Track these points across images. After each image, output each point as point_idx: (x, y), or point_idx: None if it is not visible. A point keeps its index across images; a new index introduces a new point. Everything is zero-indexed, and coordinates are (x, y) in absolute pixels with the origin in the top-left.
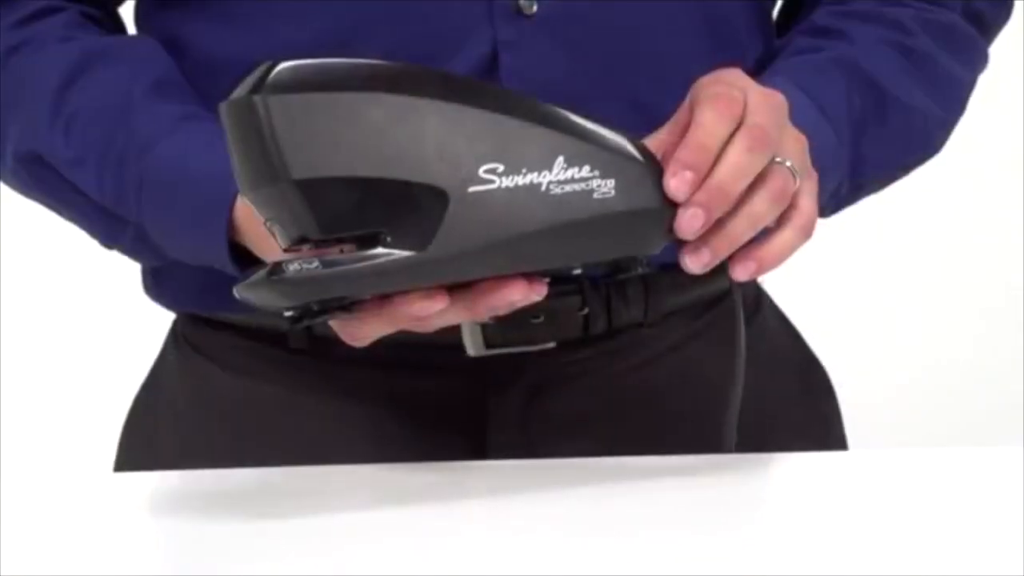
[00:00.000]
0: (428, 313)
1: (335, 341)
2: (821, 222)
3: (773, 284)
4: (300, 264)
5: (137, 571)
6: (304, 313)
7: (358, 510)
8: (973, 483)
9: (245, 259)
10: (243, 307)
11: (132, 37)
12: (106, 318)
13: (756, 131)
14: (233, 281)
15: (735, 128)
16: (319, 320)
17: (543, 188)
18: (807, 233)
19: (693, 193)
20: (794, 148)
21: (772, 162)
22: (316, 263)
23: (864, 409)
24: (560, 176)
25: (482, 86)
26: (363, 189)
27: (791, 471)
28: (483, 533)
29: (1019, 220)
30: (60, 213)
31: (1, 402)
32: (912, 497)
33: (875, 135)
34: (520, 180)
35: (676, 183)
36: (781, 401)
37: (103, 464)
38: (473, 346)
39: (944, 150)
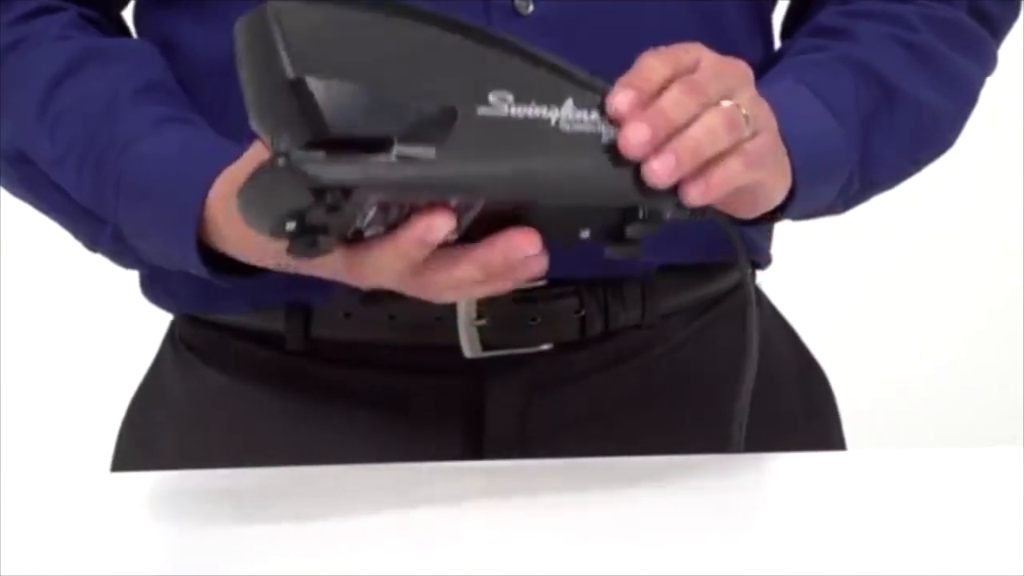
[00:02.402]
0: (434, 235)
1: (332, 343)
2: (820, 222)
3: (771, 285)
4: (308, 153)
5: (136, 571)
6: (306, 228)
7: (356, 510)
8: (973, 483)
9: (219, 266)
10: (240, 309)
11: (128, 40)
12: (104, 319)
13: (694, 81)
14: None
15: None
16: (321, 244)
17: (552, 123)
18: (754, 168)
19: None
20: (754, 105)
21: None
22: (322, 153)
23: (864, 409)
24: (569, 116)
25: (498, 32)
26: (372, 96)
27: (790, 471)
28: (480, 533)
29: (1019, 220)
30: (46, 213)
31: (1, 403)
32: (912, 497)
33: (884, 130)
34: (530, 112)
35: (620, 99)
36: (779, 402)
37: (100, 465)
38: (470, 348)
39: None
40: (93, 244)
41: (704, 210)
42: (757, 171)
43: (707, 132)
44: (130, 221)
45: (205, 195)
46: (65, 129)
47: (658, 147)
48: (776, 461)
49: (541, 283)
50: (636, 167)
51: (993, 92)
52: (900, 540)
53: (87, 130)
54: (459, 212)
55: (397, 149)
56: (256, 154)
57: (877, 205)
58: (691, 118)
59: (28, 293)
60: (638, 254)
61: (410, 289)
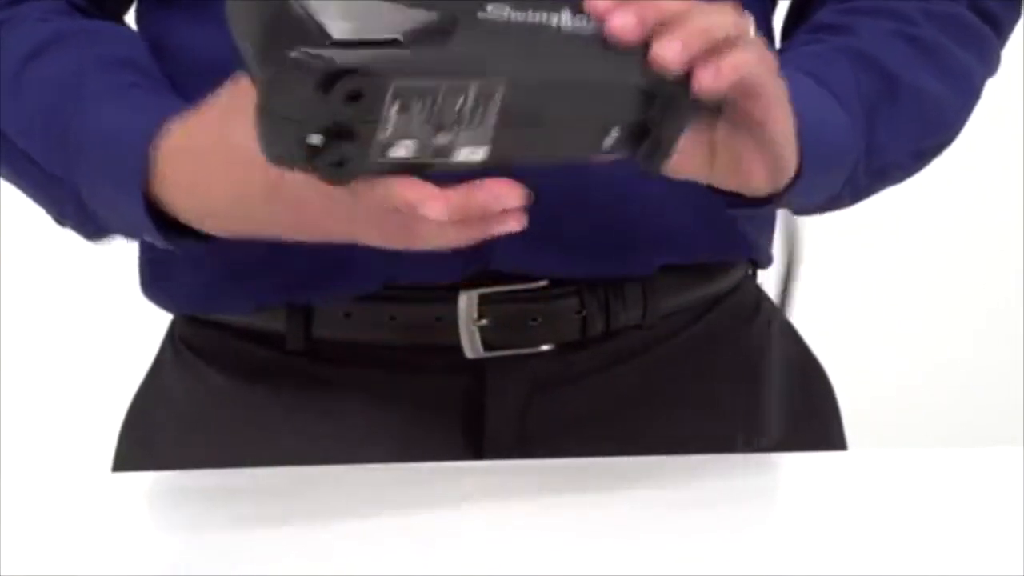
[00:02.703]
0: (432, 211)
1: (333, 343)
2: (819, 222)
3: (772, 285)
4: (316, 50)
5: (136, 571)
6: (331, 134)
7: (356, 510)
8: (973, 483)
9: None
10: (241, 309)
11: (106, 22)
12: (104, 319)
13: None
14: (230, 280)
15: None
16: (348, 161)
17: (553, 27)
18: (766, 67)
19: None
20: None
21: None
22: (330, 48)
23: (864, 409)
24: (568, 23)
25: None
26: (372, 7)
27: (791, 471)
28: (480, 533)
29: (1019, 220)
30: (18, 185)
31: (1, 403)
32: (912, 497)
33: (888, 117)
34: (530, 17)
35: None
36: (779, 401)
37: (101, 465)
38: (471, 348)
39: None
40: (60, 215)
41: (719, 107)
42: (769, 72)
43: (715, 20)
44: (87, 181)
45: (150, 143)
46: (34, 97)
47: (663, 30)
48: (776, 461)
49: (542, 283)
50: (644, 57)
51: (993, 92)
52: (900, 540)
53: (55, 97)
54: (477, 114)
55: (403, 43)
56: (216, 100)
57: (878, 205)
58: (693, 7)
59: (28, 293)
60: (666, 158)
61: (383, 234)
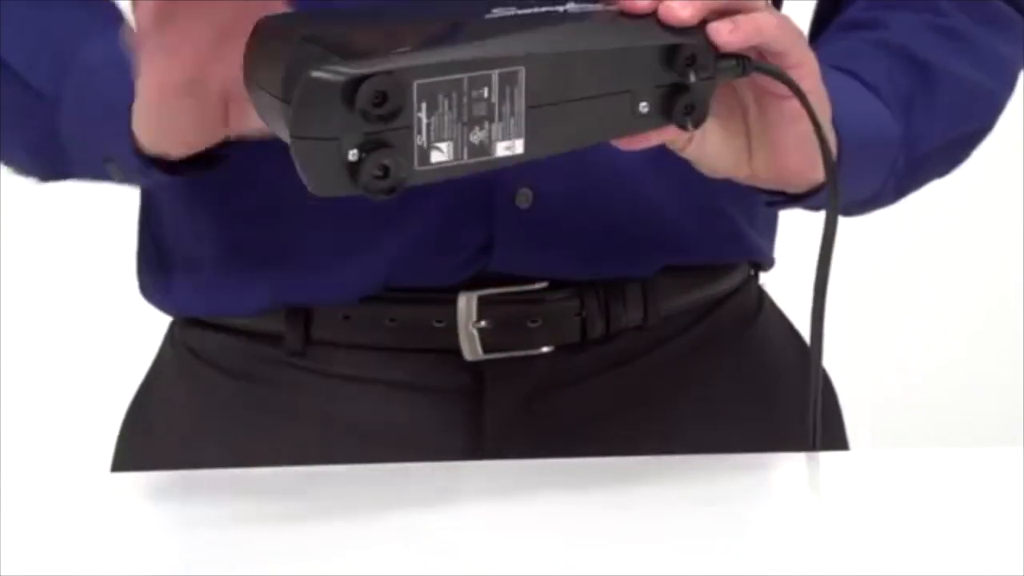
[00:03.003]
0: None
1: (332, 345)
2: (818, 220)
3: (774, 285)
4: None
5: (135, 571)
6: (368, 146)
7: (355, 510)
8: (973, 483)
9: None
10: (240, 310)
11: None
12: (104, 320)
13: None
14: (229, 281)
15: None
16: (392, 169)
17: (560, 11)
18: (786, 33)
19: None
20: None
21: None
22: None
23: (864, 409)
24: (574, 7)
25: None
26: (384, 29)
27: (791, 471)
28: (480, 533)
29: (1019, 220)
30: None
31: (0, 404)
32: (912, 497)
33: (924, 105)
34: (536, 8)
35: None
36: (783, 403)
37: (100, 465)
38: (470, 350)
39: None
40: (21, 145)
41: (746, 64)
42: (792, 39)
43: None
44: (71, 100)
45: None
46: (24, 15)
47: None
48: (776, 461)
49: (542, 285)
50: (659, 21)
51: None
52: (901, 540)
53: (51, 15)
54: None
55: (417, 47)
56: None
57: None
58: None
59: (28, 294)
60: (703, 118)
61: None
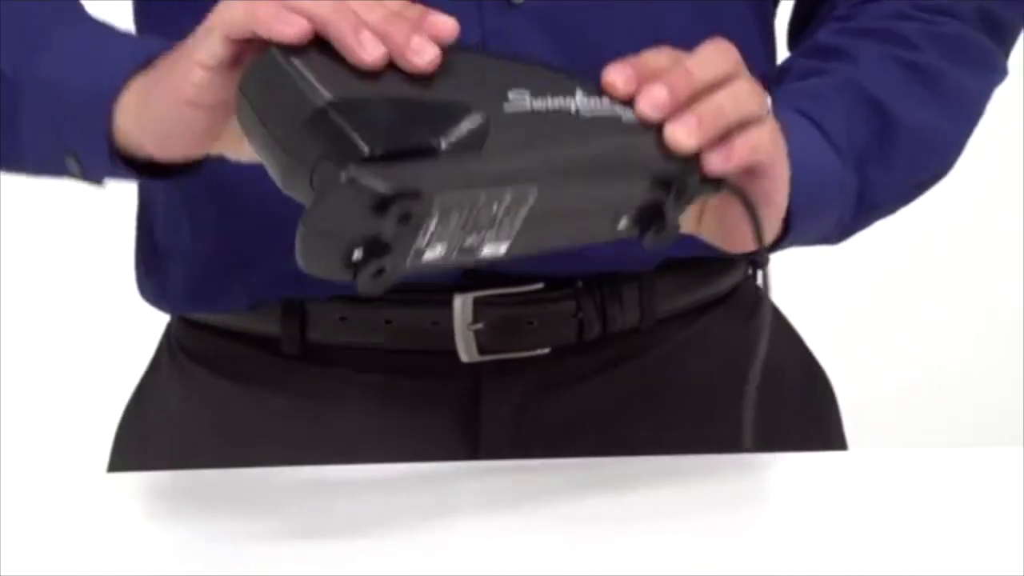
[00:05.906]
0: None
1: (328, 347)
2: None
3: (772, 285)
4: (369, 167)
5: (134, 571)
6: (373, 251)
7: (352, 511)
8: (973, 483)
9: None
10: (236, 305)
11: None
12: (101, 321)
13: (696, 60)
14: (224, 274)
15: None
16: (388, 270)
17: (572, 111)
18: (779, 143)
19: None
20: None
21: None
22: (382, 166)
23: (864, 409)
24: (584, 104)
25: (483, 47)
26: (402, 109)
27: (791, 471)
28: (479, 533)
29: (1019, 220)
30: None
31: (0, 403)
32: (912, 497)
33: (882, 158)
34: (549, 103)
35: (614, 71)
36: (783, 404)
37: (97, 466)
38: (466, 352)
39: None
40: None
41: (721, 184)
42: (778, 151)
43: (730, 96)
44: (38, 83)
45: (129, 75)
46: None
47: (679, 109)
48: (776, 461)
49: (538, 286)
50: (660, 140)
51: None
52: (900, 540)
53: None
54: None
55: (443, 153)
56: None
57: None
58: (710, 83)
59: (27, 294)
60: (672, 238)
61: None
